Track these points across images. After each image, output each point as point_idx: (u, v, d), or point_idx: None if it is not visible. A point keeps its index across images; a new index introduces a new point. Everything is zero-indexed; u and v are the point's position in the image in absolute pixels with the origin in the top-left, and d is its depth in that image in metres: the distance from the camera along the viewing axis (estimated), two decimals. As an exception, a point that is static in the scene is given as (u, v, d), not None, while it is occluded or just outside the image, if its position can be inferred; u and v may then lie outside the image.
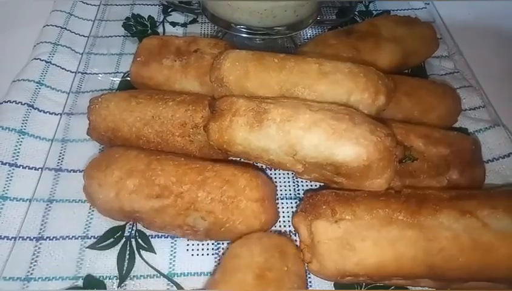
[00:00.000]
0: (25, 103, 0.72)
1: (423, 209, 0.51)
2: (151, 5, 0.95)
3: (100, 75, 0.81)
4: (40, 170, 0.66)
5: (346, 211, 0.51)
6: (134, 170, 0.56)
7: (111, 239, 0.60)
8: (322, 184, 0.62)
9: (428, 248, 0.48)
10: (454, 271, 0.49)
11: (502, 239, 0.48)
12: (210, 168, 0.56)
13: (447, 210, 0.50)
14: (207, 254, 0.59)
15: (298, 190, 0.67)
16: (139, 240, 0.60)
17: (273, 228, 0.59)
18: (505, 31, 0.89)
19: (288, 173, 0.69)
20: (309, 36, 0.92)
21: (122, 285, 0.56)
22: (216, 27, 0.89)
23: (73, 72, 0.80)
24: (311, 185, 0.67)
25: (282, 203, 0.65)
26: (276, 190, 0.64)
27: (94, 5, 0.94)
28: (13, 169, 0.65)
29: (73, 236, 0.60)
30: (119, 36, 0.89)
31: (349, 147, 0.49)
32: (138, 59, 0.73)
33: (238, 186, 0.55)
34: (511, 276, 0.48)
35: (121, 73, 0.81)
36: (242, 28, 0.77)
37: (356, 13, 0.98)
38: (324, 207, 0.52)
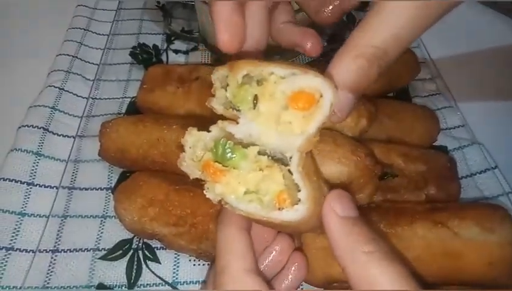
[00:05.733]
0: (41, 127, 0.78)
1: (400, 220, 0.56)
2: (156, 34, 1.02)
3: (109, 100, 0.87)
4: (55, 188, 0.72)
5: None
6: (154, 199, 0.63)
7: (120, 251, 0.66)
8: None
9: (404, 256, 0.54)
10: (428, 277, 0.54)
11: (471, 247, 0.54)
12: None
13: (421, 221, 0.56)
14: (208, 264, 0.65)
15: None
16: (146, 251, 0.66)
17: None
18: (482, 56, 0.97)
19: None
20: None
21: (131, 292, 0.62)
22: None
23: (84, 97, 0.87)
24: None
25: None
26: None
27: (103, 34, 1.02)
28: (31, 188, 0.71)
29: (85, 249, 0.66)
30: (126, 63, 0.96)
31: (332, 166, 0.55)
32: (144, 86, 0.80)
33: None
34: (478, 279, 0.54)
35: (128, 98, 0.88)
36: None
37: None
38: None
